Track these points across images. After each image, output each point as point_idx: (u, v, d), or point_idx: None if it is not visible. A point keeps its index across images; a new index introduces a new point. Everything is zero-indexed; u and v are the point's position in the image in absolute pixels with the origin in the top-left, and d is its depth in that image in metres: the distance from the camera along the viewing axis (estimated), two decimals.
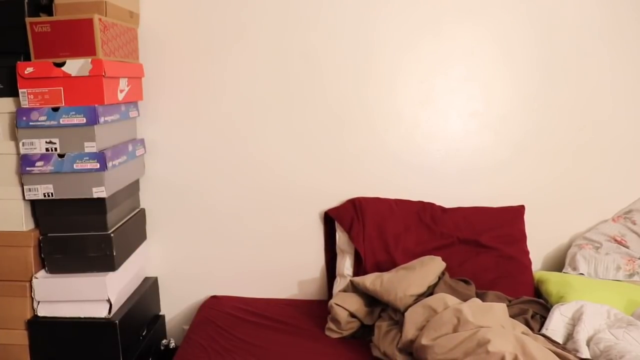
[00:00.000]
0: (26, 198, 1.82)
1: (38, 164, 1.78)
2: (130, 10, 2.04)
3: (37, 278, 1.85)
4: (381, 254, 2.16)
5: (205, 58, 2.21)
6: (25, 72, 1.74)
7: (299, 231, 2.33)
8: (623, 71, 2.24)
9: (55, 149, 1.79)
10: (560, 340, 1.79)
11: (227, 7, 2.18)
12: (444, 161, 2.30)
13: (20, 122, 1.77)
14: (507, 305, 1.83)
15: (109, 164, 1.82)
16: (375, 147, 2.28)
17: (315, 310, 2.14)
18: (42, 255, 1.87)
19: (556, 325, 1.83)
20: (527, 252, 2.20)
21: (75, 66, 1.75)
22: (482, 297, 1.92)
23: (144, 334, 2.14)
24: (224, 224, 2.33)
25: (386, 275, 1.95)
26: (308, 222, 2.32)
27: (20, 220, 1.84)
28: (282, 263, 2.35)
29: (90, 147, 1.79)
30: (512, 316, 1.84)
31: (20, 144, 1.78)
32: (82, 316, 1.88)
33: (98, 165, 1.78)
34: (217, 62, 2.21)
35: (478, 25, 2.20)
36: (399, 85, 2.24)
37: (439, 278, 1.98)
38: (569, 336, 1.80)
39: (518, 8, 2.19)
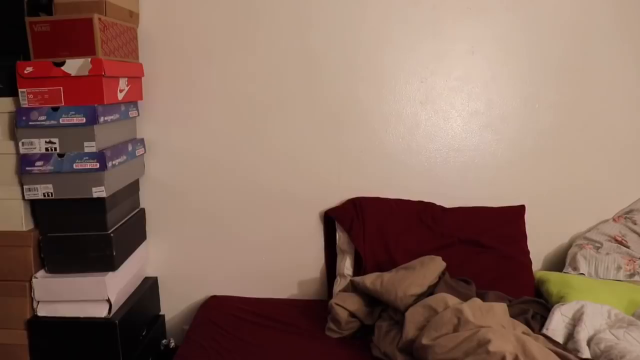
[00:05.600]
0: (26, 198, 1.82)
1: (38, 163, 1.78)
2: (130, 9, 2.03)
3: (36, 278, 1.85)
4: (381, 254, 2.16)
5: (205, 58, 2.20)
6: (25, 72, 1.74)
7: (299, 231, 2.32)
8: (624, 71, 2.24)
9: (55, 149, 1.79)
10: (560, 341, 1.79)
11: (227, 7, 2.17)
12: (444, 161, 2.29)
13: (19, 122, 1.76)
14: (508, 305, 1.82)
15: (109, 164, 1.82)
16: (376, 147, 2.27)
17: (315, 310, 2.14)
18: (42, 255, 1.87)
19: (557, 325, 1.83)
20: (528, 252, 2.20)
21: (74, 66, 1.75)
22: (482, 297, 1.92)
23: (144, 334, 2.14)
24: (224, 224, 2.32)
25: (386, 275, 1.95)
26: (308, 222, 2.32)
27: (20, 220, 1.83)
28: (282, 263, 2.35)
29: (90, 147, 1.78)
30: (513, 316, 1.84)
31: (20, 144, 1.78)
32: (81, 316, 1.87)
33: (98, 165, 1.78)
34: (217, 62, 2.21)
35: (478, 24, 2.20)
36: (399, 85, 2.23)
37: (439, 278, 1.97)
38: (570, 336, 1.80)
39: (519, 7, 2.18)
